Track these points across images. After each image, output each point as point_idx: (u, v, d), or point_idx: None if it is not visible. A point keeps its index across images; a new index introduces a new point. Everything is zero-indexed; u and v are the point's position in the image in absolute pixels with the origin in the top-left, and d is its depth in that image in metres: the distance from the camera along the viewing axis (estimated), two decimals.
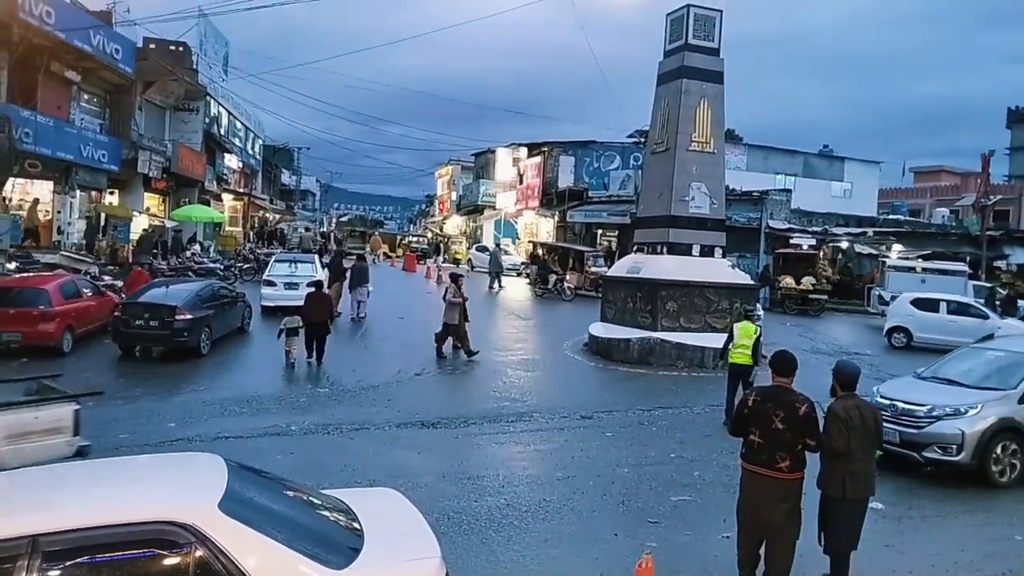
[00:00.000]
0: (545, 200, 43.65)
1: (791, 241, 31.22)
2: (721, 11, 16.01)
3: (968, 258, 29.19)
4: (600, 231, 39.73)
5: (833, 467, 5.63)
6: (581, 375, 14.46)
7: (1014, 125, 71.70)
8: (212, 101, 32.82)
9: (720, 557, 6.35)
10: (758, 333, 11.45)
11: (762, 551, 5.58)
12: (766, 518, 5.41)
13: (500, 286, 29.57)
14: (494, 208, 52.39)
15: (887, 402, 8.92)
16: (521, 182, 47.87)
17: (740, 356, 11.26)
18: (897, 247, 31.11)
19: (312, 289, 15.10)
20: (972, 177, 43.53)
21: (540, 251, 35.30)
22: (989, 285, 26.04)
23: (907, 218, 43.04)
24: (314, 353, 14.17)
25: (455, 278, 15.36)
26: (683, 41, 15.94)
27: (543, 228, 45.11)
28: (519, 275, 35.61)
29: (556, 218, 42.26)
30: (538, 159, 45.34)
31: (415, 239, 49.47)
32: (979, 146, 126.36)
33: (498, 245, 42.76)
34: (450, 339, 15.06)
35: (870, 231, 33.36)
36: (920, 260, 27.30)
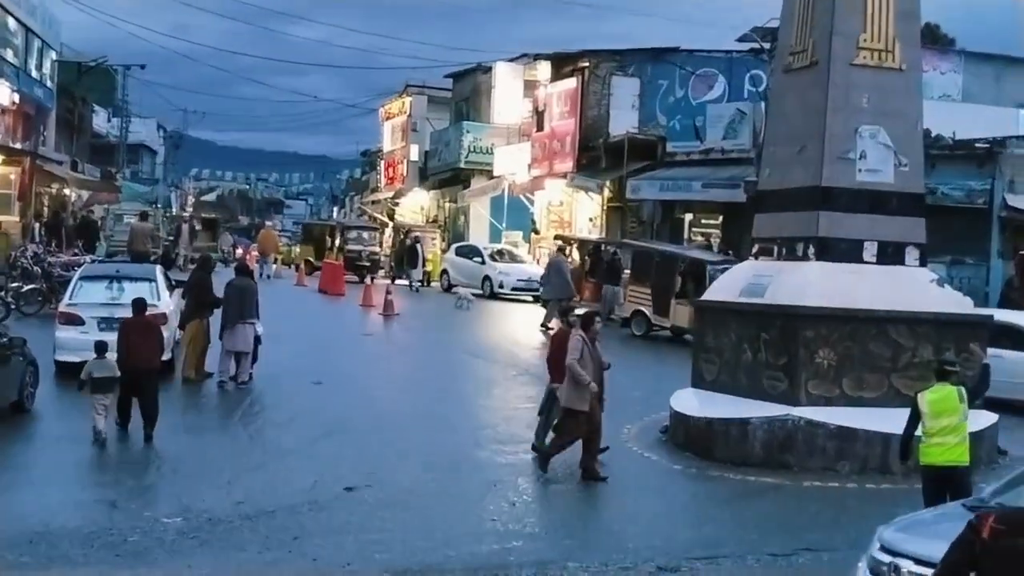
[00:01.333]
0: (586, 159, 43.87)
1: None
2: None
3: None
4: (689, 216, 39.84)
5: None
6: (658, 489, 14.32)
7: None
8: None
9: None
10: (963, 403, 11.50)
11: None
12: None
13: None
14: (489, 175, 52.62)
15: (888, 560, 8.53)
16: (540, 127, 48.18)
17: (943, 451, 11.27)
18: None
19: (130, 314, 15.70)
20: None
21: (575, 252, 35.45)
22: None
23: None
24: (134, 423, 14.40)
25: (587, 321, 14.91)
26: None
27: (581, 210, 45.29)
28: (538, 299, 35.81)
29: (606, 193, 42.44)
30: (572, 84, 45.65)
31: (360, 235, 49.48)
32: None
33: (538, 232, 42.66)
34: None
35: None
36: None
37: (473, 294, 35.59)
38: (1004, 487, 9.23)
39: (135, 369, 14.89)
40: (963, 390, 11.73)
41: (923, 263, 16.80)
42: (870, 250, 16.26)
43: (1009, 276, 30.05)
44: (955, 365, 12.40)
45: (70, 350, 19.03)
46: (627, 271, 30.46)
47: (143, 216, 40.76)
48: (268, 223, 75.79)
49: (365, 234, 50.64)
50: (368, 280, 40.16)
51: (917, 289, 16.28)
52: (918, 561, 8.10)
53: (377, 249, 49.71)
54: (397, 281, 42.55)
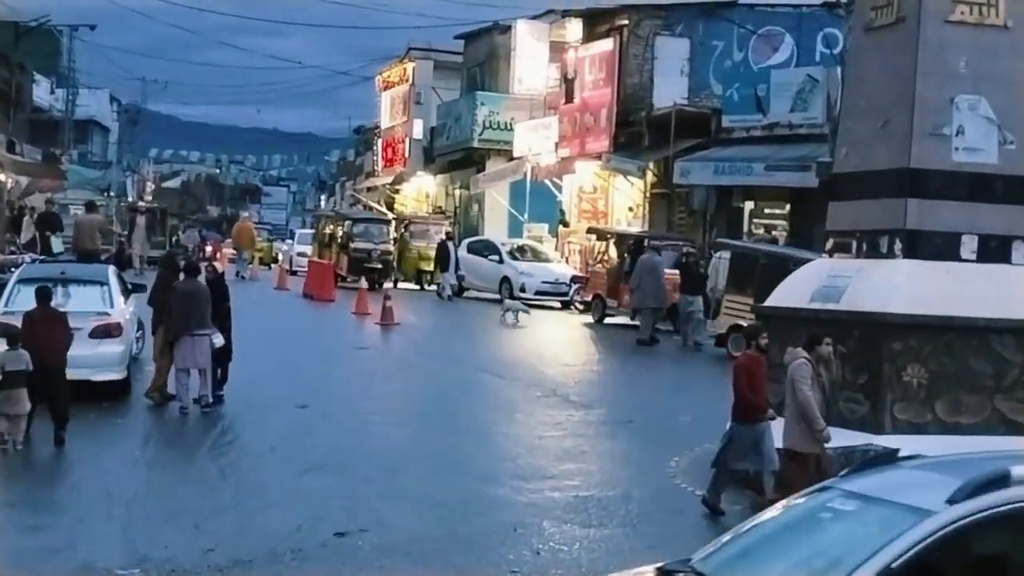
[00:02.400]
0: (624, 137, 43.90)
1: None
2: None
3: None
4: (750, 204, 39.85)
5: None
6: (713, 537, 14.28)
7: None
8: None
9: None
10: None
11: None
12: None
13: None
14: (509, 156, 52.73)
15: None
16: (570, 98, 48.20)
17: None
18: None
19: (36, 305, 16.28)
20: None
21: (611, 248, 35.46)
22: None
23: None
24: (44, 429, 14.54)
25: (813, 341, 14.39)
26: None
27: (619, 198, 45.37)
28: (567, 305, 35.89)
29: (649, 177, 42.49)
30: (608, 45, 45.73)
31: (368, 229, 47.95)
32: None
33: (567, 224, 42.58)
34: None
35: None
36: None
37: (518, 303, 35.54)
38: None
39: (42, 364, 15.44)
40: None
41: None
42: (969, 245, 16.27)
43: None
44: None
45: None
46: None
47: (90, 206, 39.75)
48: (243, 214, 75.59)
49: (375, 228, 49.13)
50: (384, 285, 40.22)
51: None
52: None
53: (391, 247, 47.98)
54: (427, 287, 43.26)
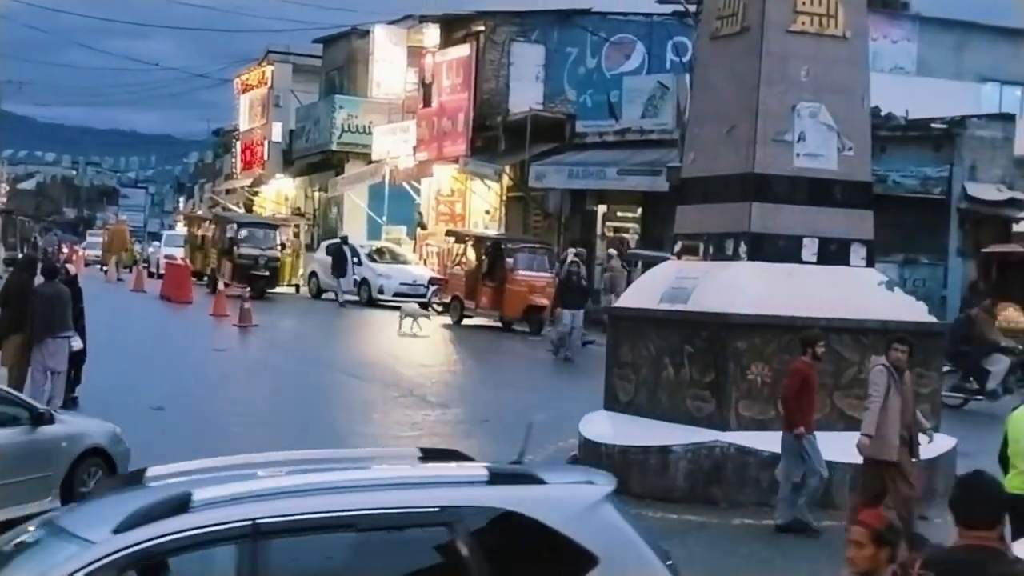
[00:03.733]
0: (481, 141, 43.99)
1: (1014, 229, 31.95)
2: None
3: None
4: (603, 208, 40.14)
5: None
6: None
7: None
8: None
9: None
10: None
11: None
12: None
13: None
14: (367, 159, 52.53)
15: None
16: (428, 103, 48.22)
17: (1013, 476, 11.40)
18: None
19: None
20: None
21: (472, 250, 35.48)
22: None
23: None
24: None
25: (892, 348, 13.94)
26: None
27: (476, 201, 45.40)
28: (425, 306, 35.86)
29: (505, 180, 42.59)
30: (465, 51, 45.75)
31: (254, 233, 44.71)
32: None
33: (425, 226, 42.50)
34: None
35: None
36: None
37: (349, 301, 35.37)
38: None
39: None
40: None
41: (871, 263, 17.11)
42: (810, 248, 16.49)
43: (971, 279, 30.55)
44: None
45: None
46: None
47: None
48: (122, 217, 74.06)
49: (261, 232, 45.52)
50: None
51: (864, 293, 16.56)
52: None
53: (278, 253, 45.07)
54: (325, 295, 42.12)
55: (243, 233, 43.59)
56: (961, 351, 22.17)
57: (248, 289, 36.80)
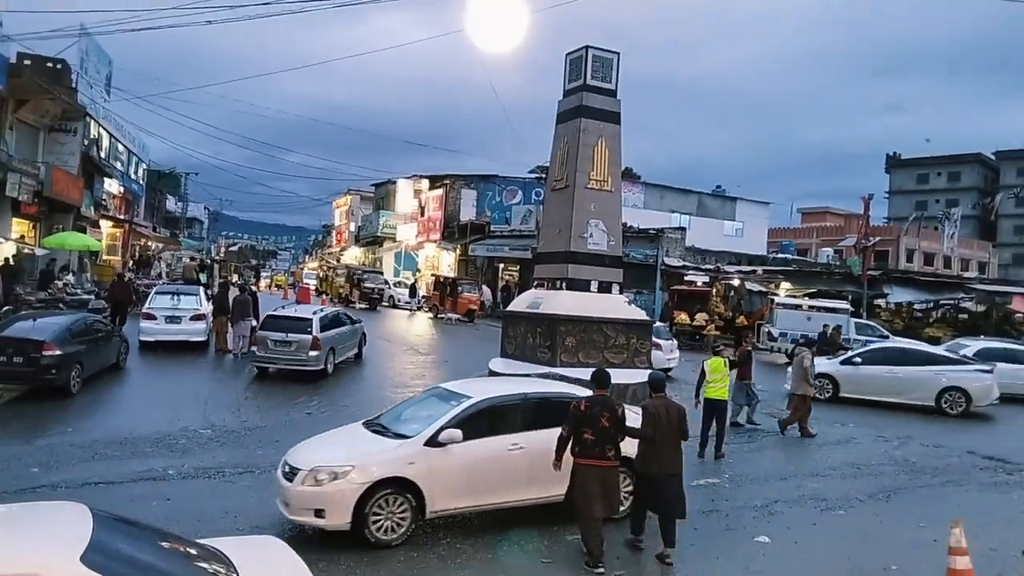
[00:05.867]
0: (447, 233, 43.88)
1: (685, 278, 32.56)
2: (619, 53, 16.54)
3: (850, 296, 31.37)
4: (502, 265, 40.21)
5: (645, 450, 7.69)
6: None
7: (892, 170, 78.39)
8: (92, 122, 31.20)
9: None
10: (726, 367, 12.08)
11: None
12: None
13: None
14: (395, 240, 52.15)
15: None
16: (423, 214, 47.99)
17: (716, 391, 11.82)
18: (785, 285, 33.05)
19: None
20: (855, 218, 46.70)
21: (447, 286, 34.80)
22: (870, 323, 27.80)
23: (795, 257, 45.82)
24: None
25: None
26: (582, 81, 16.32)
27: (445, 261, 45.23)
28: (419, 308, 35.42)
29: (458, 251, 42.48)
30: (440, 192, 45.63)
31: (362, 277, 38.45)
32: (861, 188, 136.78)
33: (420, 271, 42.33)
34: None
35: (759, 269, 35.31)
36: (806, 298, 29.09)
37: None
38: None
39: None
40: (726, 360, 12.46)
41: (621, 292, 17.07)
42: (594, 285, 16.43)
43: (665, 301, 31.21)
44: (721, 348, 13.15)
45: (148, 334, 18.32)
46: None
47: (192, 259, 38.00)
48: (191, 259, 70.28)
49: (372, 275, 38.74)
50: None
51: (618, 306, 16.53)
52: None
53: (383, 286, 37.67)
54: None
55: (365, 276, 38.62)
56: (823, 349, 19.97)
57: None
